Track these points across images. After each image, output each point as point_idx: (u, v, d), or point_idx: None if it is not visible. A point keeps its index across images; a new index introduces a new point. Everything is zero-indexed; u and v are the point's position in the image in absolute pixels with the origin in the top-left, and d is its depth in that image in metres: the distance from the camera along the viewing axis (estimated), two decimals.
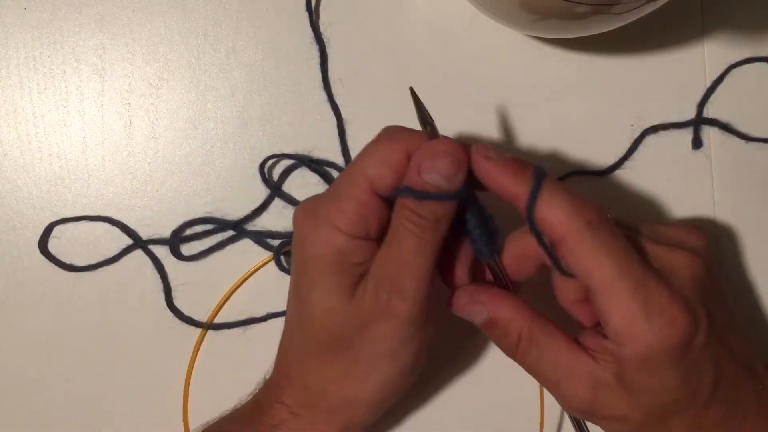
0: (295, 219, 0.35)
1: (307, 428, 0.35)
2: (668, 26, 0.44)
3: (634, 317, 0.30)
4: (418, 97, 0.35)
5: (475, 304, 0.34)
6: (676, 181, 0.44)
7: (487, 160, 0.33)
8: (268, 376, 0.38)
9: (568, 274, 0.32)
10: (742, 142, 0.44)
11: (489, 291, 0.35)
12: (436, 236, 0.33)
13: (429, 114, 0.35)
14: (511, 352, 0.34)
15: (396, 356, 0.34)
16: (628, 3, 0.34)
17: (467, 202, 0.34)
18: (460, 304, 0.35)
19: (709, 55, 0.45)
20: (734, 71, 0.44)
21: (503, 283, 0.35)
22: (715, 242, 0.44)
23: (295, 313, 0.36)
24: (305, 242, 0.34)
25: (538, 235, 0.32)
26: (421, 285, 0.33)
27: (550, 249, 0.32)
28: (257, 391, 0.38)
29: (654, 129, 0.44)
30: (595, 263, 0.31)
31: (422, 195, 0.32)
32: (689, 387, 0.32)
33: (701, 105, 0.44)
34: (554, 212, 0.31)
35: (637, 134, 0.44)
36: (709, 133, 0.44)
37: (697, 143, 0.44)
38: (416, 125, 0.35)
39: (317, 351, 0.35)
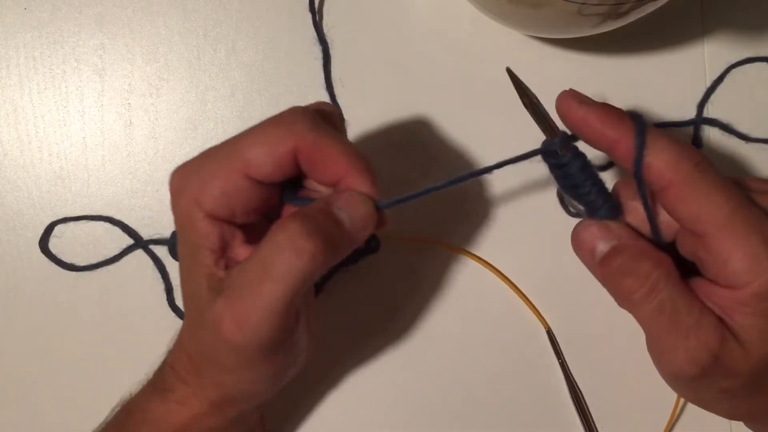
0: (171, 176, 0.33)
1: (191, 396, 0.34)
2: (668, 26, 0.44)
3: (757, 253, 0.29)
4: (517, 78, 0.33)
5: (604, 229, 0.31)
6: None
7: (582, 105, 0.31)
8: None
9: (662, 240, 0.31)
10: (742, 142, 0.44)
11: (618, 224, 0.32)
12: (312, 269, 0.29)
13: (532, 93, 0.33)
14: (634, 289, 0.30)
15: (240, 368, 0.32)
16: (628, 3, 0.34)
17: (571, 158, 0.31)
18: (583, 227, 0.32)
19: (709, 55, 0.45)
20: (734, 71, 0.44)
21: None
22: None
23: (185, 284, 0.34)
24: (173, 208, 0.32)
25: (642, 185, 0.30)
26: (268, 318, 0.29)
27: (650, 205, 0.31)
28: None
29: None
30: (708, 204, 0.29)
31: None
32: None
33: (701, 105, 0.44)
34: (662, 156, 0.30)
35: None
36: (708, 134, 0.44)
37: (697, 143, 0.44)
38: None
39: (188, 320, 0.34)
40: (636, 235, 0.32)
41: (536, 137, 0.45)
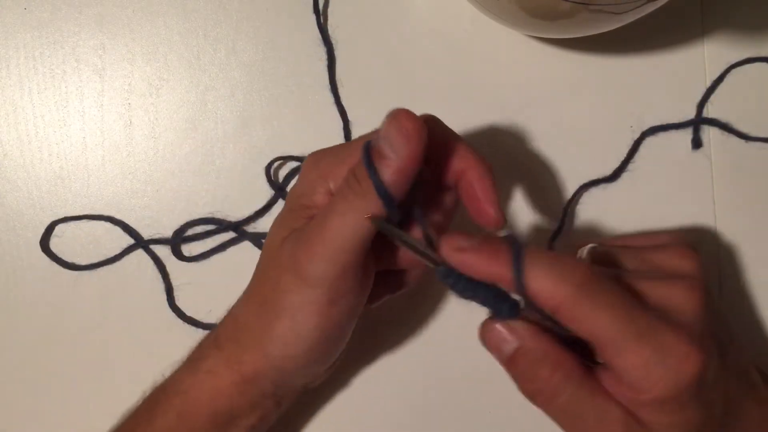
0: (306, 160, 0.36)
1: (225, 361, 0.35)
2: (668, 26, 0.44)
3: (648, 364, 0.30)
4: (389, 229, 0.33)
5: (509, 330, 0.32)
6: (676, 182, 0.44)
7: (459, 252, 0.31)
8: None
9: (566, 333, 0.32)
10: (742, 141, 0.44)
11: (523, 323, 0.32)
12: (361, 205, 0.32)
13: (401, 234, 0.33)
14: (540, 390, 0.32)
15: (297, 316, 0.33)
16: (628, 3, 0.34)
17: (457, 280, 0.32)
18: (489, 328, 0.32)
19: (709, 55, 0.45)
20: (734, 71, 0.44)
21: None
22: (714, 243, 0.44)
23: (262, 255, 0.36)
24: (299, 179, 0.35)
25: (537, 308, 0.31)
26: (333, 252, 0.32)
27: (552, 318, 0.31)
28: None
29: (653, 130, 0.44)
30: (596, 324, 0.30)
31: (367, 160, 0.31)
32: (706, 417, 0.32)
33: (701, 105, 0.44)
34: (542, 284, 0.30)
35: (636, 135, 0.44)
36: (708, 133, 0.44)
37: (696, 143, 0.44)
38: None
39: (252, 283, 0.36)
40: (538, 334, 0.32)
41: (534, 137, 0.45)
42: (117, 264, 0.43)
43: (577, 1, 0.33)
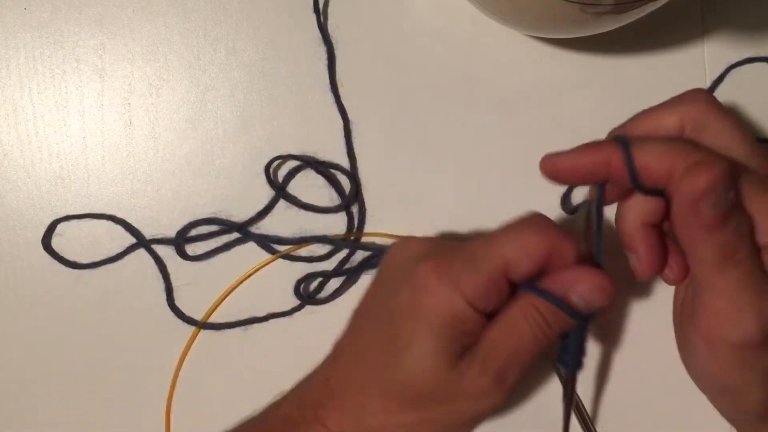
0: (422, 272, 0.33)
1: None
2: (668, 26, 0.44)
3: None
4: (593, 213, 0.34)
5: (731, 182, 0.30)
6: None
7: (563, 155, 0.32)
8: (299, 388, 0.37)
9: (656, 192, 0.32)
10: None
11: None
12: (548, 345, 0.33)
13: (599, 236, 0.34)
14: (733, 251, 0.30)
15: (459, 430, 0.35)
16: (628, 3, 0.34)
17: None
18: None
19: (709, 55, 0.45)
20: (734, 71, 0.44)
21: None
22: None
23: (380, 350, 0.34)
24: (427, 291, 0.33)
25: (641, 188, 0.31)
26: (518, 381, 0.33)
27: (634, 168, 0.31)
28: (284, 401, 0.36)
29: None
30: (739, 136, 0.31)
31: (560, 304, 0.32)
32: None
33: None
34: (650, 154, 0.31)
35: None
36: None
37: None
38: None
39: (393, 397, 0.33)
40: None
41: (534, 137, 0.45)
42: (118, 263, 0.43)
43: (577, 1, 0.33)
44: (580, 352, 0.34)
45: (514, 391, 0.33)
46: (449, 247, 0.35)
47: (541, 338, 0.32)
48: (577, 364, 0.35)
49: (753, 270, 0.31)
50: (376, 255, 0.42)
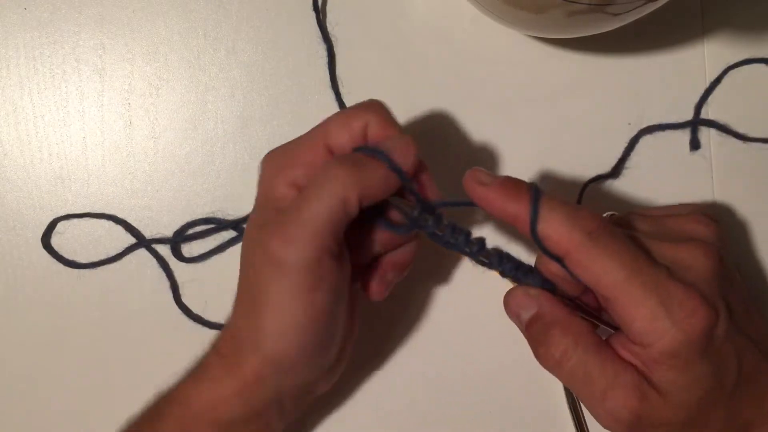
0: (262, 160, 0.36)
1: (225, 368, 0.34)
2: (668, 26, 0.44)
3: (655, 315, 0.30)
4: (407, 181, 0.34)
5: (527, 297, 0.34)
6: (675, 183, 0.44)
7: (481, 186, 0.33)
8: None
9: (580, 289, 0.33)
10: (741, 142, 0.44)
11: (542, 291, 0.34)
12: (340, 186, 0.32)
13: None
14: (550, 354, 0.33)
15: (281, 307, 0.33)
16: (627, 3, 0.34)
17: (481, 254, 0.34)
18: (511, 295, 0.34)
19: (709, 55, 0.45)
20: (732, 72, 0.44)
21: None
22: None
23: (242, 258, 0.36)
24: (259, 181, 0.36)
25: (546, 251, 0.32)
26: (308, 234, 0.32)
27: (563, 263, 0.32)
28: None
29: (650, 129, 0.44)
30: (602, 271, 0.31)
31: (372, 151, 0.33)
32: (717, 377, 0.32)
33: (699, 106, 0.44)
34: (554, 228, 0.31)
35: (634, 133, 0.44)
36: (708, 134, 0.44)
37: (694, 144, 0.44)
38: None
39: (238, 286, 0.35)
40: (555, 301, 0.34)
41: (534, 137, 0.45)
42: (118, 263, 0.43)
43: (577, 1, 0.33)
44: (521, 267, 0.34)
45: (326, 255, 0.32)
46: (288, 142, 0.36)
47: (335, 187, 0.32)
48: (534, 277, 0.34)
49: (584, 369, 0.32)
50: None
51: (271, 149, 0.36)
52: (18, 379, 0.42)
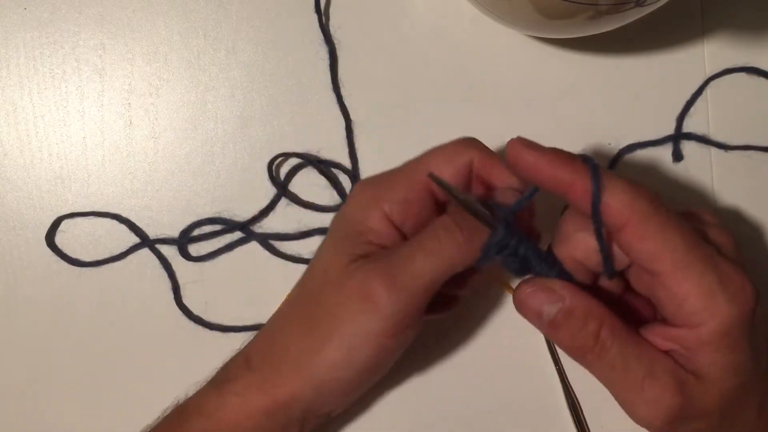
0: (354, 187, 0.37)
1: (257, 384, 0.34)
2: (668, 26, 0.44)
3: (713, 291, 0.29)
4: (442, 183, 0.33)
5: (549, 292, 0.32)
6: (674, 183, 0.44)
7: (532, 152, 0.31)
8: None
9: (615, 274, 0.32)
10: (725, 152, 0.44)
11: (557, 281, 0.32)
12: (458, 253, 0.32)
13: (461, 194, 0.33)
14: (586, 349, 0.31)
15: (355, 342, 0.33)
16: (628, 3, 0.34)
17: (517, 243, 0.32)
18: (528, 294, 0.32)
19: (709, 55, 0.45)
20: (714, 82, 0.44)
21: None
22: None
23: (301, 279, 0.36)
24: (350, 201, 0.35)
25: (599, 226, 0.31)
26: (414, 288, 0.32)
27: (606, 245, 0.31)
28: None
29: (630, 148, 0.43)
30: (664, 243, 0.30)
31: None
32: (755, 361, 0.31)
33: (680, 118, 0.44)
34: (618, 197, 0.30)
35: (620, 146, 0.44)
36: (693, 145, 0.44)
37: (677, 156, 0.44)
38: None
39: (295, 305, 0.35)
40: (579, 292, 0.32)
41: (534, 137, 0.45)
42: (118, 263, 0.43)
43: (577, 1, 0.33)
44: (547, 261, 0.32)
45: (418, 307, 0.32)
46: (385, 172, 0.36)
47: (453, 252, 0.32)
48: (556, 272, 0.32)
49: (623, 360, 0.31)
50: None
51: (366, 178, 0.36)
52: (18, 378, 0.42)
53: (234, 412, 0.33)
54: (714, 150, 0.44)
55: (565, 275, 0.32)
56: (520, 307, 0.33)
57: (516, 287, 0.33)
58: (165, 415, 0.36)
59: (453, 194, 0.32)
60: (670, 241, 0.30)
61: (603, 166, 0.31)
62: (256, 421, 0.33)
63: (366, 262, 0.33)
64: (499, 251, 0.32)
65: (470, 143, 0.35)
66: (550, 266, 0.32)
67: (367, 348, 0.33)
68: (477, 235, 0.32)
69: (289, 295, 0.37)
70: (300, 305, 0.35)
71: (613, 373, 0.31)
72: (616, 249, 0.32)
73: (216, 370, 0.36)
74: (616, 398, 0.32)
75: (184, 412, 0.35)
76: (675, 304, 0.30)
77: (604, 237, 0.31)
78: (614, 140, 0.44)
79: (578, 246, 0.32)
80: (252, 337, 0.37)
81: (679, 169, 0.44)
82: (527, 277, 0.33)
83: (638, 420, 0.32)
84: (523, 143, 0.32)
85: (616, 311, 0.32)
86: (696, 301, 0.30)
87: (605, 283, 0.34)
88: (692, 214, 0.34)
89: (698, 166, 0.44)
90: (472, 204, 0.32)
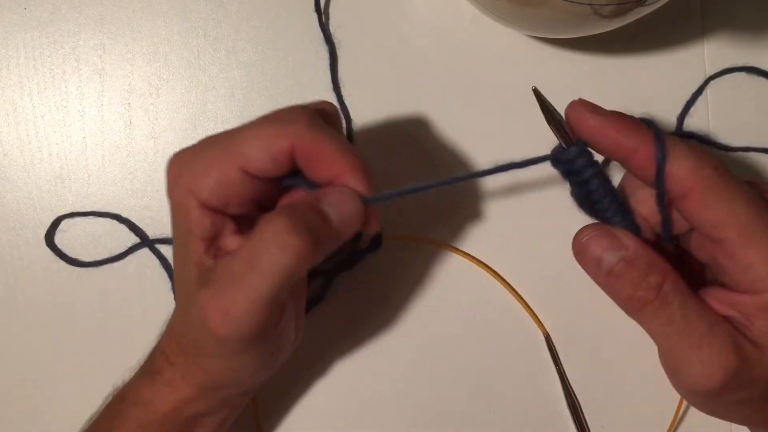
0: (168, 163, 0.33)
1: (179, 379, 0.34)
2: (668, 26, 0.44)
3: None
4: (543, 98, 0.32)
5: (612, 238, 0.30)
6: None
7: (595, 115, 0.30)
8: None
9: (672, 240, 0.31)
10: (730, 152, 0.44)
11: (622, 231, 0.31)
12: (296, 260, 0.29)
13: (557, 112, 0.32)
14: (646, 301, 0.30)
15: (226, 356, 0.32)
16: (629, 2, 0.34)
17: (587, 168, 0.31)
18: (590, 238, 0.31)
19: (709, 55, 0.45)
20: (713, 83, 0.44)
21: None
22: None
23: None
24: (169, 194, 0.33)
25: (662, 192, 0.30)
26: (255, 313, 0.29)
27: (665, 208, 0.30)
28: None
29: None
30: (730, 210, 0.29)
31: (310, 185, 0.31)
32: None
33: (681, 118, 0.44)
34: (683, 163, 0.29)
35: None
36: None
37: None
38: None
39: (178, 306, 0.34)
40: (643, 244, 0.31)
41: (536, 137, 0.45)
42: (118, 263, 0.43)
43: (577, 1, 0.33)
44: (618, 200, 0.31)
45: (268, 320, 0.30)
46: (208, 139, 0.33)
47: (290, 260, 0.29)
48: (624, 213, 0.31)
49: (684, 315, 0.30)
50: (375, 248, 0.42)
51: (178, 154, 0.33)
52: (18, 378, 0.42)
53: (168, 400, 0.34)
54: (714, 151, 0.44)
55: (630, 225, 0.31)
56: (580, 253, 0.31)
57: (577, 233, 0.31)
58: (106, 402, 0.37)
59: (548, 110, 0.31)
60: (734, 208, 0.29)
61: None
62: (194, 404, 0.34)
63: (202, 285, 0.30)
64: (568, 173, 0.31)
65: (293, 121, 0.31)
66: (617, 209, 0.31)
67: (238, 363, 0.32)
68: (318, 231, 0.30)
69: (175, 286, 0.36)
70: (178, 307, 0.34)
71: (671, 327, 0.30)
72: (675, 214, 0.31)
73: (143, 359, 0.36)
74: (668, 355, 0.31)
75: (122, 402, 0.36)
76: (738, 271, 0.30)
77: (666, 203, 0.30)
78: None
79: (642, 202, 0.32)
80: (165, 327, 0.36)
81: None
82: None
83: (689, 380, 0.30)
84: (585, 106, 0.31)
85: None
86: (761, 267, 0.29)
87: (663, 245, 0.33)
88: (755, 184, 0.33)
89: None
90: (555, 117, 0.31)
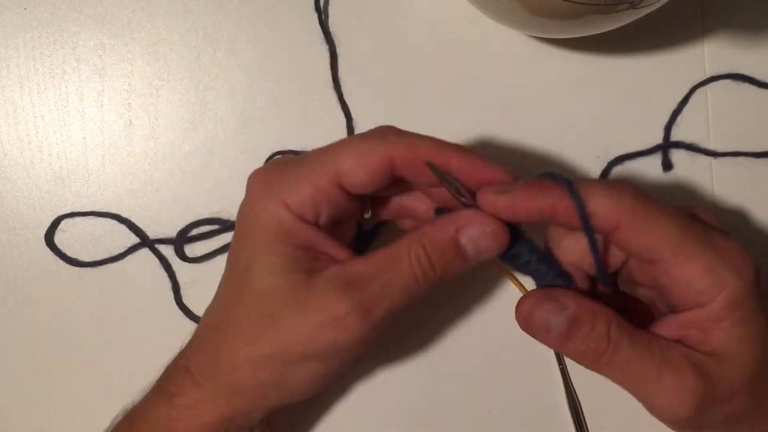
0: (250, 181, 0.33)
1: (204, 401, 0.33)
2: (668, 26, 0.44)
3: (713, 267, 0.30)
4: (439, 171, 0.32)
5: (553, 301, 0.31)
6: (672, 186, 0.44)
7: (505, 195, 0.31)
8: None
9: (610, 280, 0.32)
10: (717, 158, 0.44)
11: (558, 290, 0.32)
12: (429, 288, 0.32)
13: (456, 184, 0.32)
14: (599, 352, 0.31)
15: (320, 362, 0.32)
16: (629, 2, 0.34)
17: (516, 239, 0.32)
18: (533, 306, 0.32)
19: (709, 55, 0.45)
20: (712, 84, 0.44)
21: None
22: None
23: (231, 281, 0.34)
24: (252, 207, 0.33)
25: (593, 239, 0.31)
26: (386, 319, 0.31)
27: (599, 253, 0.31)
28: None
29: (618, 160, 0.43)
30: (659, 232, 0.30)
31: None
32: (765, 330, 0.31)
33: (668, 128, 0.44)
34: (602, 203, 0.30)
35: (610, 158, 0.44)
36: (682, 153, 0.44)
37: (667, 165, 0.43)
38: (415, 128, 0.35)
39: (243, 326, 0.33)
40: (580, 296, 0.32)
41: (534, 137, 0.45)
42: (118, 263, 0.43)
43: (577, 1, 0.33)
44: (548, 262, 0.32)
45: (379, 330, 0.32)
46: (291, 158, 0.34)
47: (420, 277, 0.31)
48: (558, 274, 0.33)
49: (636, 353, 0.31)
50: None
51: (264, 169, 0.33)
52: (18, 378, 0.42)
53: (189, 424, 0.33)
54: (701, 157, 0.44)
55: (561, 278, 0.33)
56: (527, 323, 0.32)
57: (516, 305, 0.32)
58: (115, 422, 0.35)
59: (452, 191, 0.32)
60: (664, 230, 0.30)
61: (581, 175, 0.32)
62: (216, 428, 0.33)
63: (325, 282, 0.31)
64: (510, 258, 0.32)
65: (388, 137, 0.32)
66: (548, 268, 0.32)
67: (314, 381, 0.33)
68: (450, 266, 0.32)
69: (220, 297, 0.35)
70: (239, 311, 0.33)
71: (628, 368, 0.31)
72: (606, 254, 0.32)
73: (159, 377, 0.35)
74: (637, 396, 0.32)
75: (136, 422, 0.34)
76: (682, 288, 0.30)
77: (599, 249, 0.31)
78: (614, 140, 0.44)
79: (570, 250, 0.33)
80: (188, 341, 0.36)
81: (679, 171, 0.44)
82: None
83: (663, 413, 0.31)
84: (492, 191, 0.31)
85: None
86: (701, 279, 0.30)
87: (600, 288, 0.34)
88: (693, 212, 0.34)
89: (695, 171, 0.44)
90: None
